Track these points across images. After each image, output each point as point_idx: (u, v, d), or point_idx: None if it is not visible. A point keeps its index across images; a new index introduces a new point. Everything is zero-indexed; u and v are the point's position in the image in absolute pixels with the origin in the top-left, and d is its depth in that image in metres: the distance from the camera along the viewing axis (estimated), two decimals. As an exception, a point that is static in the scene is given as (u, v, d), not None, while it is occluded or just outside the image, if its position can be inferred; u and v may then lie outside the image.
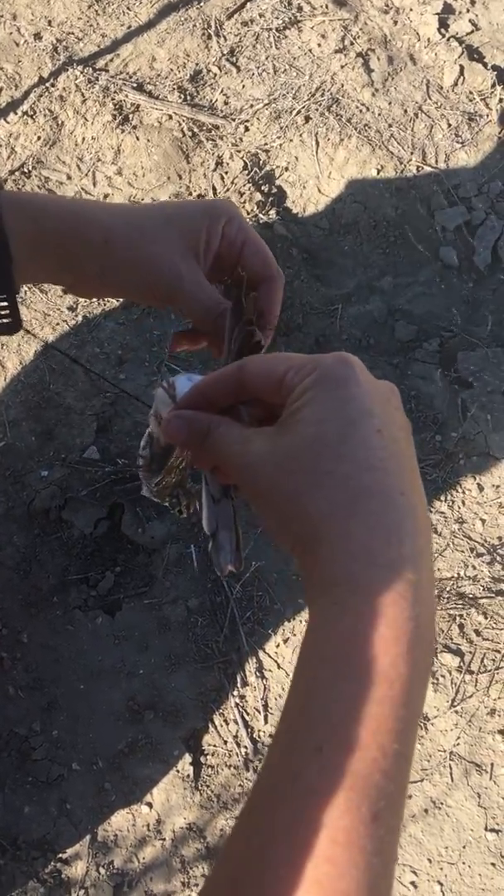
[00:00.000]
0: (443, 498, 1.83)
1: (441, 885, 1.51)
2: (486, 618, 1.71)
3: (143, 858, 1.52)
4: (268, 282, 0.65)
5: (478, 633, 1.70)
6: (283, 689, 1.65)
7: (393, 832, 0.40)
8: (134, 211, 0.65)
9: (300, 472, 0.45)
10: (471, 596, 1.74)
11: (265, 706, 1.63)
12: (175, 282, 0.62)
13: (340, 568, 0.43)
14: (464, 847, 1.54)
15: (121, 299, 1.94)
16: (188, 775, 1.56)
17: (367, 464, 0.44)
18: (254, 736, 1.61)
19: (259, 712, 1.62)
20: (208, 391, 0.53)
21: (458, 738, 1.61)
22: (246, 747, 1.59)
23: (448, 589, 1.74)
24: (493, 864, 1.52)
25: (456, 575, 1.76)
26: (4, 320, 0.61)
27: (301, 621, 1.69)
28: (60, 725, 1.60)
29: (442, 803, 1.57)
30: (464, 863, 1.53)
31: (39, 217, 0.60)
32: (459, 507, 1.83)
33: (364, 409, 0.46)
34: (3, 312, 0.61)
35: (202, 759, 1.59)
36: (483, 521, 1.82)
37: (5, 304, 0.60)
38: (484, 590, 1.75)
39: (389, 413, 0.47)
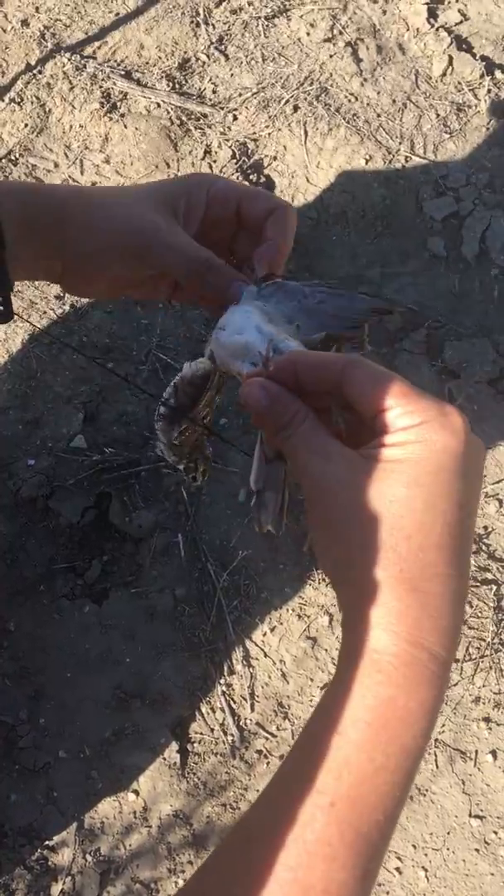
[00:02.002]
0: (429, 487, 1.84)
1: (426, 870, 1.53)
2: (470, 606, 1.72)
3: (130, 845, 1.52)
4: (274, 211, 0.64)
5: (463, 621, 1.71)
6: (269, 677, 1.65)
7: (373, 883, 0.45)
8: (117, 187, 0.66)
9: (377, 524, 0.46)
10: (456, 585, 1.75)
11: (252, 694, 1.64)
12: (151, 231, 0.61)
13: (391, 639, 0.44)
14: (448, 833, 1.55)
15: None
16: (175, 763, 1.57)
17: (441, 540, 0.45)
18: (240, 724, 1.61)
19: (245, 700, 1.63)
20: (305, 374, 0.51)
21: (444, 725, 1.63)
22: (232, 735, 1.60)
23: (434, 578, 1.75)
24: (476, 850, 1.54)
25: (442, 564, 1.77)
26: None
27: (288, 610, 1.70)
28: (47, 714, 1.60)
29: (427, 790, 1.58)
30: (448, 849, 1.54)
31: (28, 202, 0.60)
32: (446, 497, 1.84)
33: (455, 485, 0.47)
34: None
35: (189, 747, 1.59)
36: (469, 510, 1.83)
37: None
38: (470, 579, 1.76)
39: (474, 485, 0.48)
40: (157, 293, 0.68)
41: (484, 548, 1.79)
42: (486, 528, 1.81)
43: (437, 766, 1.59)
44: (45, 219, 0.60)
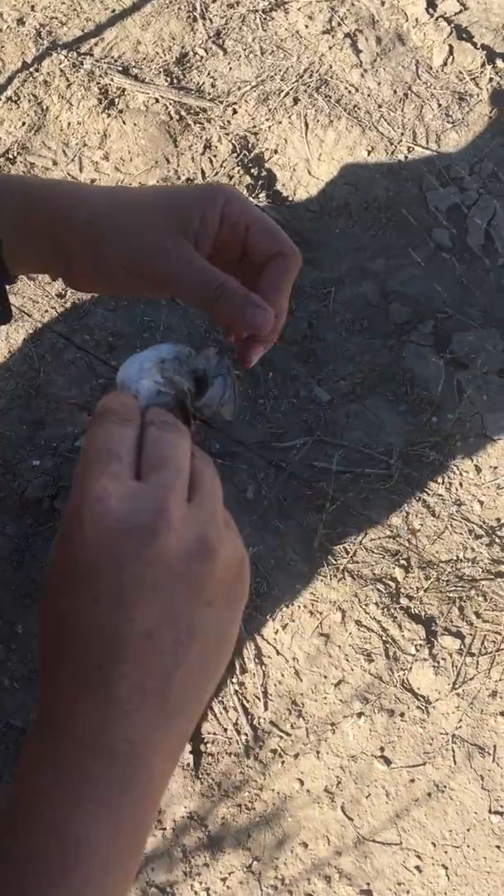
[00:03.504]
0: (440, 480, 1.82)
1: (446, 868, 1.50)
2: (485, 599, 1.70)
3: (145, 849, 1.49)
4: (276, 258, 0.60)
5: (478, 615, 1.69)
6: (282, 675, 1.63)
7: None
8: (122, 190, 0.61)
9: None
10: (470, 578, 1.72)
11: (265, 693, 1.61)
12: (161, 256, 0.58)
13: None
14: (468, 830, 1.52)
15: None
16: (188, 764, 1.54)
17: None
18: (254, 723, 1.59)
19: (259, 699, 1.60)
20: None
21: (461, 720, 1.60)
22: (246, 734, 1.57)
23: (448, 571, 1.72)
24: (497, 847, 1.51)
25: (455, 557, 1.74)
26: None
27: (300, 606, 1.67)
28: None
29: (445, 787, 1.55)
30: (468, 846, 1.51)
31: (27, 199, 0.57)
32: (457, 489, 1.81)
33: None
34: None
35: (202, 748, 1.57)
36: (481, 502, 1.80)
37: None
38: (483, 571, 1.73)
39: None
40: (164, 295, 0.64)
41: (497, 540, 1.76)
42: (498, 520, 1.79)
43: (455, 762, 1.57)
44: (46, 228, 0.58)
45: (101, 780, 0.43)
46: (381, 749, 1.58)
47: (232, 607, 0.48)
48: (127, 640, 0.43)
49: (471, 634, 1.66)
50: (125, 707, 0.43)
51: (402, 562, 1.73)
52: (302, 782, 1.55)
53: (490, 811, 1.53)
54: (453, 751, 1.57)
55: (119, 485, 0.43)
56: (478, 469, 1.83)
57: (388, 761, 1.57)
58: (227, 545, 0.46)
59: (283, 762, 1.56)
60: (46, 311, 1.91)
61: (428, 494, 1.80)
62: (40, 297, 1.92)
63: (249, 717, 1.59)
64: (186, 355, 0.58)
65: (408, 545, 1.75)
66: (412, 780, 1.55)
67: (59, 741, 0.43)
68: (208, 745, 1.57)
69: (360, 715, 1.59)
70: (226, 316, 0.59)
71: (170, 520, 0.43)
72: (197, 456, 0.48)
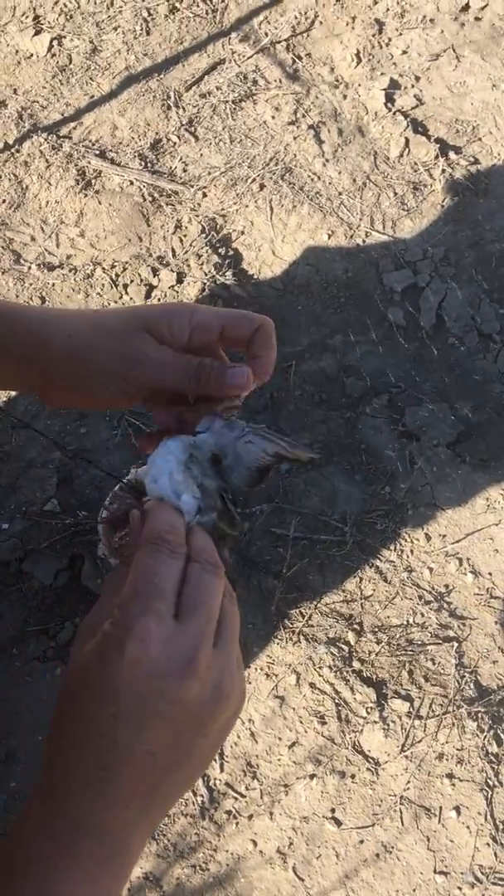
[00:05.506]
0: (392, 547, 1.91)
1: (393, 929, 1.55)
2: (433, 664, 1.78)
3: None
4: (258, 331, 0.68)
5: (426, 678, 1.77)
6: (238, 736, 1.68)
7: None
8: (101, 312, 0.69)
9: None
10: (419, 642, 1.80)
11: (221, 754, 1.67)
12: (142, 359, 0.65)
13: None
14: (414, 890, 1.58)
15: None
16: (145, 825, 1.58)
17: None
18: (210, 784, 1.64)
19: (215, 761, 1.66)
20: None
21: (408, 782, 1.66)
22: (202, 795, 1.62)
23: (399, 636, 1.80)
24: (442, 907, 1.56)
25: (405, 622, 1.83)
26: None
27: (256, 668, 1.74)
28: (18, 777, 1.62)
29: (393, 847, 1.61)
30: (415, 906, 1.56)
31: (11, 323, 0.65)
32: (408, 556, 1.91)
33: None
34: None
35: (159, 809, 1.61)
36: (430, 569, 1.90)
37: None
38: (432, 636, 1.81)
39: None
40: (133, 403, 0.72)
41: (445, 606, 1.85)
42: (446, 586, 1.88)
43: (403, 824, 1.63)
44: (28, 348, 0.64)
45: (89, 856, 0.51)
46: (332, 810, 1.63)
47: (223, 736, 0.57)
48: (132, 754, 0.52)
49: (419, 698, 1.74)
50: (118, 803, 0.52)
51: (355, 626, 1.81)
52: (255, 843, 1.60)
53: (435, 871, 1.59)
54: (401, 812, 1.64)
55: (160, 627, 0.52)
56: (427, 537, 1.93)
57: (338, 822, 1.62)
58: (236, 690, 0.56)
59: (237, 823, 1.61)
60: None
61: (380, 561, 1.90)
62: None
63: (206, 778, 1.64)
64: (193, 444, 0.66)
65: (360, 610, 1.83)
66: (361, 841, 1.61)
67: (56, 819, 0.52)
68: (165, 806, 1.61)
69: (312, 777, 1.66)
70: (212, 384, 0.67)
71: (197, 668, 0.52)
72: (226, 595, 0.58)
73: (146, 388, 0.67)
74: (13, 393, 1.98)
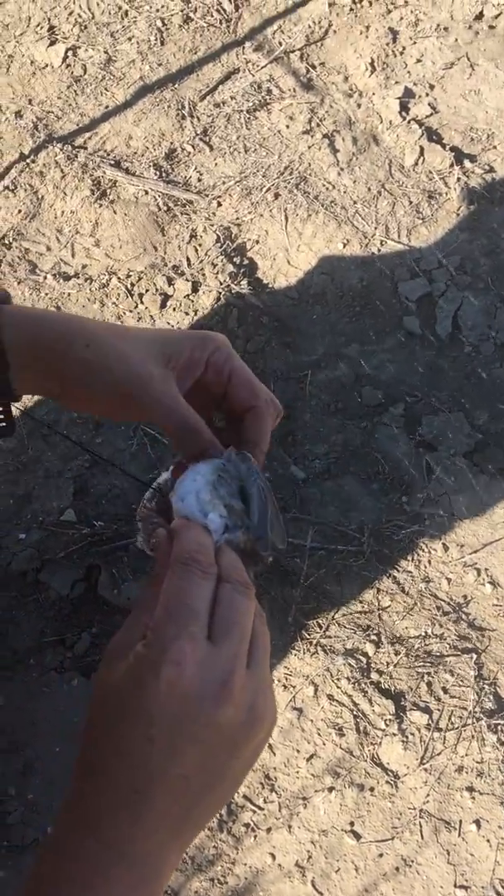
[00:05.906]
0: (409, 558, 1.90)
1: (413, 944, 1.53)
2: (452, 675, 1.77)
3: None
4: (253, 411, 0.68)
5: (445, 690, 1.75)
6: (256, 748, 1.67)
7: None
8: (123, 326, 0.68)
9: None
10: (438, 654, 1.79)
11: (239, 766, 1.66)
12: (144, 382, 0.64)
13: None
14: (435, 905, 1.56)
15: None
16: (163, 837, 1.57)
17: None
18: (228, 796, 1.63)
19: (233, 772, 1.65)
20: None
21: (428, 795, 1.65)
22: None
23: (417, 647, 1.79)
24: (463, 922, 1.55)
25: (423, 633, 1.82)
26: (1, 424, 0.67)
27: (274, 680, 1.73)
28: (36, 789, 1.61)
29: (412, 861, 1.59)
30: (435, 921, 1.55)
31: (36, 330, 0.64)
32: (426, 567, 1.90)
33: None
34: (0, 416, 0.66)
35: (177, 821, 1.60)
36: (449, 580, 1.89)
37: (1, 408, 0.65)
38: (451, 648, 1.80)
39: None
40: (140, 419, 0.71)
41: (464, 617, 1.84)
42: (465, 597, 1.87)
43: (423, 837, 1.61)
44: (49, 353, 0.64)
45: (118, 882, 0.50)
46: (351, 823, 1.62)
47: (255, 757, 0.57)
48: (166, 777, 0.51)
49: (438, 710, 1.73)
50: (150, 826, 0.51)
51: (373, 637, 1.80)
52: (274, 856, 1.59)
53: (455, 885, 1.57)
54: (420, 825, 1.62)
55: (195, 649, 0.52)
56: (445, 547, 1.92)
57: (357, 836, 1.61)
58: (269, 711, 0.55)
59: (255, 836, 1.60)
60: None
61: (398, 571, 1.89)
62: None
63: (223, 790, 1.63)
64: (222, 468, 0.66)
65: (378, 621, 1.82)
66: (381, 855, 1.60)
67: (86, 840, 0.51)
68: (183, 819, 1.60)
69: (331, 789, 1.64)
70: (188, 450, 0.67)
71: (232, 690, 0.52)
72: (257, 614, 0.58)
73: (145, 415, 0.67)
74: (34, 401, 1.99)
